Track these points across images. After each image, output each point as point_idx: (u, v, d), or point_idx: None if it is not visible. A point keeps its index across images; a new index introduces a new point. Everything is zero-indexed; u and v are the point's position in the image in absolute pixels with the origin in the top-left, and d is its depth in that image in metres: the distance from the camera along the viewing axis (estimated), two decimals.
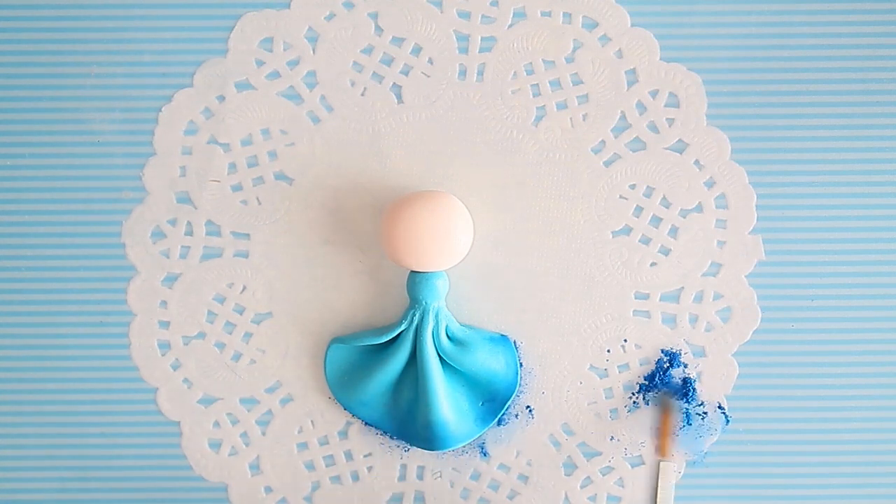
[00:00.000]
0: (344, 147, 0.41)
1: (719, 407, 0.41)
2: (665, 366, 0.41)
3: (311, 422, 0.42)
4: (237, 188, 0.41)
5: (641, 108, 0.41)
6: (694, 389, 0.41)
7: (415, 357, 0.39)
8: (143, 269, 0.42)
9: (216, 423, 0.42)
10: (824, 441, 0.42)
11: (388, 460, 0.42)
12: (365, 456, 0.42)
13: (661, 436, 0.41)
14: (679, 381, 0.41)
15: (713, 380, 0.41)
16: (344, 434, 0.42)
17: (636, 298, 0.41)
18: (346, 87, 0.41)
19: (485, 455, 0.42)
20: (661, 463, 0.41)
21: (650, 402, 0.42)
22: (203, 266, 0.42)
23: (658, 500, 0.41)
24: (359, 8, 0.41)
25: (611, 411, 0.42)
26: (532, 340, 0.41)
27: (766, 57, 0.41)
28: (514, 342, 0.41)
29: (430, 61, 0.41)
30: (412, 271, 0.39)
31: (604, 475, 0.42)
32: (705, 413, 0.41)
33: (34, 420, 0.42)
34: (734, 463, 0.42)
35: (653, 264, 0.41)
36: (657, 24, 0.41)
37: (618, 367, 0.42)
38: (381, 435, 0.42)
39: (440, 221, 0.37)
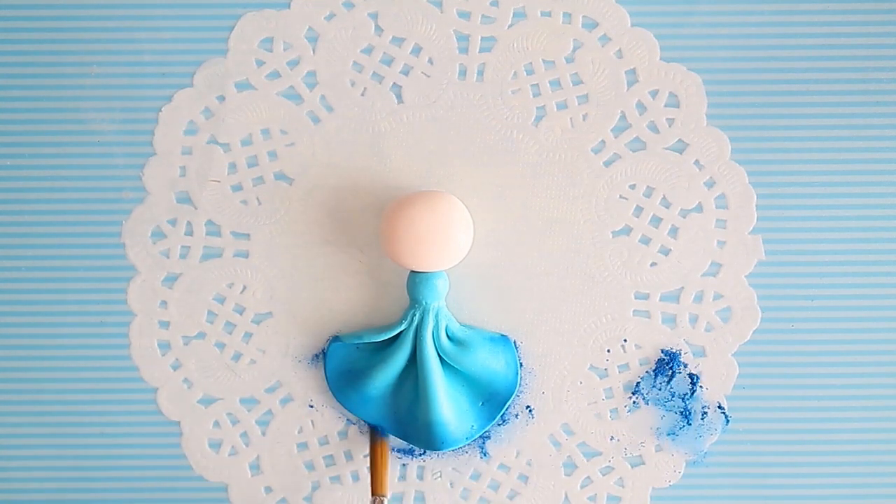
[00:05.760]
0: (344, 147, 0.41)
1: (719, 407, 0.41)
2: (665, 366, 0.41)
3: (311, 422, 0.42)
4: (237, 188, 0.41)
5: (641, 108, 0.41)
6: (699, 387, 0.41)
7: (415, 357, 0.39)
8: (143, 269, 0.42)
9: (216, 423, 0.42)
10: (824, 441, 0.42)
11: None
12: (365, 456, 0.42)
13: (376, 469, 0.39)
14: (678, 381, 0.41)
15: (713, 380, 0.41)
16: (344, 434, 0.42)
17: (636, 298, 0.41)
18: (346, 87, 0.41)
19: (485, 455, 0.42)
20: (378, 499, 0.38)
21: (650, 403, 0.42)
22: (203, 266, 0.42)
23: None
24: (359, 8, 0.41)
25: (611, 411, 0.42)
26: (532, 340, 0.41)
27: (766, 57, 0.41)
28: (514, 342, 0.41)
29: (430, 61, 0.41)
30: (412, 271, 0.39)
31: (604, 475, 0.42)
32: (705, 413, 0.41)
33: (34, 420, 0.42)
34: (734, 463, 0.42)
35: (653, 264, 0.41)
36: (657, 24, 0.41)
37: (618, 367, 0.42)
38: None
39: (440, 221, 0.37)
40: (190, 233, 0.41)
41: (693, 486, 0.42)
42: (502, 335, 0.41)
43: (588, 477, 0.42)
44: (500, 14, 0.41)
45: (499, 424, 0.41)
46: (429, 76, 0.41)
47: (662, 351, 0.41)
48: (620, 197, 0.41)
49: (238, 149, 0.41)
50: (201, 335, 0.42)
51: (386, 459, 0.39)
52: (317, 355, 0.42)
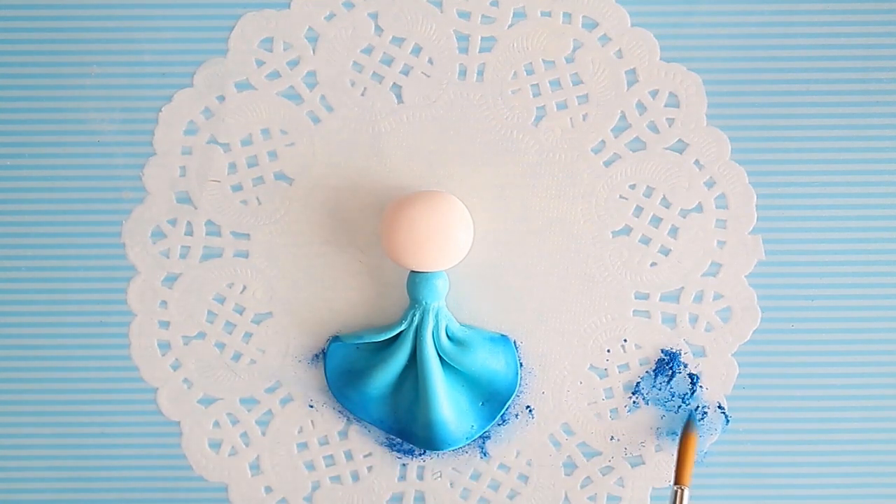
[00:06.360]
0: (344, 147, 0.41)
1: (719, 407, 0.41)
2: (665, 366, 0.41)
3: (311, 422, 0.42)
4: (237, 188, 0.41)
5: (641, 108, 0.41)
6: (699, 387, 0.41)
7: (415, 357, 0.39)
8: (143, 269, 0.42)
9: (216, 423, 0.42)
10: (824, 441, 0.42)
11: (388, 460, 0.42)
12: (365, 456, 0.42)
13: (683, 461, 0.39)
14: (678, 381, 0.41)
15: (713, 380, 0.41)
16: (344, 434, 0.42)
17: (636, 298, 0.41)
18: (346, 87, 0.41)
19: (485, 455, 0.42)
20: (684, 491, 0.38)
21: (650, 403, 0.42)
22: (203, 266, 0.42)
23: None
24: (359, 8, 0.41)
25: (611, 411, 0.42)
26: (532, 340, 0.41)
27: (766, 57, 0.41)
28: (514, 342, 0.41)
29: (430, 61, 0.41)
30: (412, 271, 0.39)
31: (604, 475, 0.42)
32: (705, 413, 0.41)
33: (34, 420, 0.42)
34: (734, 463, 0.42)
35: (653, 264, 0.41)
36: (657, 24, 0.41)
37: (618, 367, 0.42)
38: (382, 434, 0.42)
39: (440, 221, 0.37)
40: (190, 233, 0.41)
41: (693, 485, 0.42)
42: (502, 335, 0.41)
43: (588, 477, 0.42)
44: (500, 14, 0.41)
45: (499, 424, 0.41)
46: (429, 76, 0.41)
47: (662, 351, 0.41)
48: (620, 197, 0.41)
49: (238, 149, 0.41)
50: (201, 335, 0.42)
51: (694, 451, 0.39)
52: (317, 355, 0.42)
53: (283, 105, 0.41)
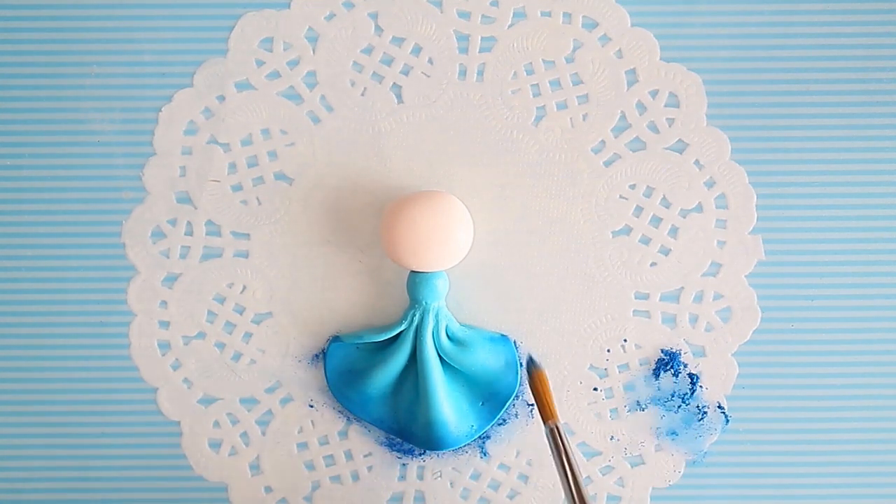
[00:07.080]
0: (344, 147, 0.41)
1: (719, 407, 0.41)
2: (665, 366, 0.41)
3: (311, 422, 0.42)
4: (237, 188, 0.41)
5: (641, 108, 0.41)
6: (699, 387, 0.41)
7: (415, 357, 0.39)
8: (143, 269, 0.42)
9: (216, 423, 0.42)
10: (824, 441, 0.42)
11: (388, 460, 0.42)
12: (365, 456, 0.42)
13: (543, 399, 0.39)
14: (679, 380, 0.41)
15: (713, 380, 0.41)
16: (344, 434, 0.42)
17: (636, 298, 0.41)
18: (346, 87, 0.41)
19: (485, 455, 0.42)
20: (556, 427, 0.37)
21: (650, 403, 0.42)
22: (203, 266, 0.42)
23: (570, 466, 0.36)
24: (359, 8, 0.41)
25: (611, 411, 0.42)
26: (532, 340, 0.41)
27: (766, 57, 0.41)
28: (514, 342, 0.41)
29: (430, 61, 0.41)
30: (412, 271, 0.39)
31: (604, 475, 0.42)
32: (705, 413, 0.41)
33: (34, 420, 0.42)
34: (734, 463, 0.42)
35: (653, 264, 0.41)
36: (657, 24, 0.41)
37: (618, 367, 0.42)
38: (382, 434, 0.42)
39: (440, 221, 0.37)
40: (190, 233, 0.41)
41: (693, 486, 0.42)
42: (502, 335, 0.41)
43: (588, 477, 0.42)
44: (500, 14, 0.41)
45: (499, 424, 0.41)
46: (429, 76, 0.41)
47: (662, 351, 0.41)
48: (620, 197, 0.41)
49: (238, 149, 0.41)
50: (201, 335, 0.42)
51: (549, 386, 0.39)
52: (317, 355, 0.42)
53: (283, 105, 0.41)
